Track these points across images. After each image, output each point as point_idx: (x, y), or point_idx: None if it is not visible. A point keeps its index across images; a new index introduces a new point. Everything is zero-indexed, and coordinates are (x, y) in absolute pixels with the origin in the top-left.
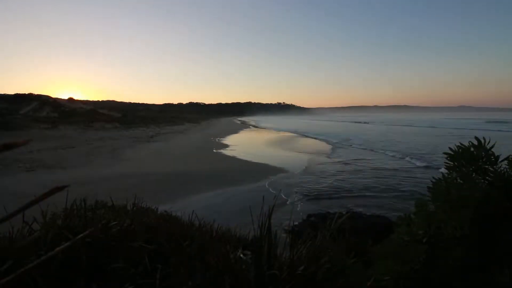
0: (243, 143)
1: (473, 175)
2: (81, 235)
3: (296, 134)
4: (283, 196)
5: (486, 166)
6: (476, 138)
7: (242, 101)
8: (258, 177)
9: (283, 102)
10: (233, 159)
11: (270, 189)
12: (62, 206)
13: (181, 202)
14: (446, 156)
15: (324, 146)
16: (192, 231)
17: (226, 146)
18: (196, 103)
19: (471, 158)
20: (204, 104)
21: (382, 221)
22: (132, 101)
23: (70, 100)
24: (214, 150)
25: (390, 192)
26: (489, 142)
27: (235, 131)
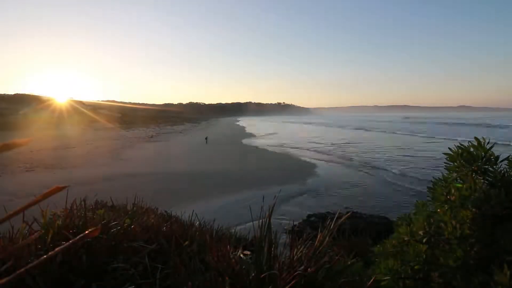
0: None
1: (473, 175)
2: (81, 235)
3: None
4: None
5: (486, 166)
6: (475, 138)
7: (242, 101)
8: None
9: (283, 102)
10: None
11: None
12: (62, 206)
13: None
14: (446, 156)
15: None
16: (192, 231)
17: None
18: (196, 103)
19: (470, 158)
20: (204, 104)
21: (382, 221)
22: (132, 101)
23: (70, 100)
24: None
25: None
26: (488, 142)
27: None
